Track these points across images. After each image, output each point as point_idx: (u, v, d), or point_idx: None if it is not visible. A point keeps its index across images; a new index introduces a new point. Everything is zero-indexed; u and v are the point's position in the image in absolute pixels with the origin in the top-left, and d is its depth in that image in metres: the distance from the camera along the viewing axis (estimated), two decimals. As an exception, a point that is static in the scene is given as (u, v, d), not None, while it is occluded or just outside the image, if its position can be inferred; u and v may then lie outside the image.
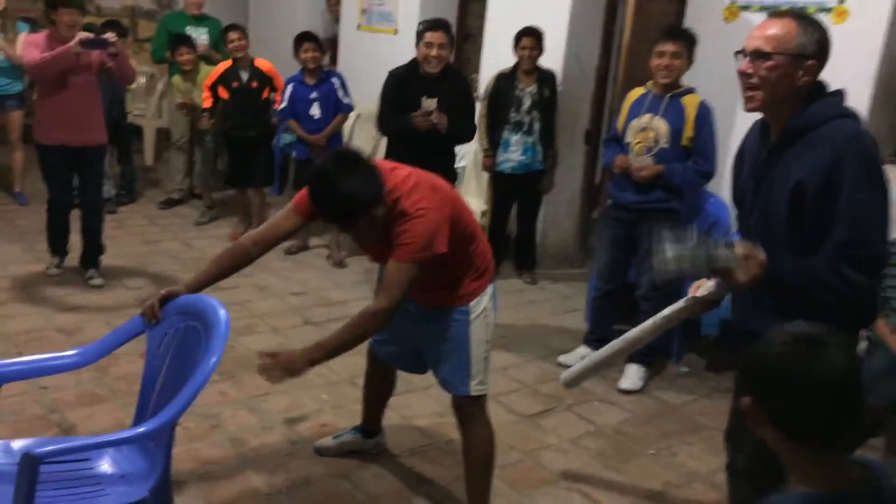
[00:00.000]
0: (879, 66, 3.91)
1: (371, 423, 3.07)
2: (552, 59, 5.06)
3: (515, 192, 5.11)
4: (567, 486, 2.97)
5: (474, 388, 2.52)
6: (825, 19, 4.02)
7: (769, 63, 1.95)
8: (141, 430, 2.11)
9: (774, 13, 2.05)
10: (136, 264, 4.99)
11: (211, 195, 6.24)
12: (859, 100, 3.96)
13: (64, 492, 2.17)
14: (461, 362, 2.49)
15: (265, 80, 5.51)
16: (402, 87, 4.32)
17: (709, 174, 3.75)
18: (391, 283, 2.29)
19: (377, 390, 3.01)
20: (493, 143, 4.94)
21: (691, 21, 4.56)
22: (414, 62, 4.28)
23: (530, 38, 4.80)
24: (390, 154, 4.24)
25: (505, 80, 4.89)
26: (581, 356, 3.99)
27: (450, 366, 2.52)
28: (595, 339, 4.02)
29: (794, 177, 1.95)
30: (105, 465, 2.28)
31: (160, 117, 7.40)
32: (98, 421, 3.13)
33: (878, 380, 3.06)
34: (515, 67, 4.88)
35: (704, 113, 3.70)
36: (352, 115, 6.68)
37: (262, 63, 5.55)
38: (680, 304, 2.27)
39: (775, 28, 1.97)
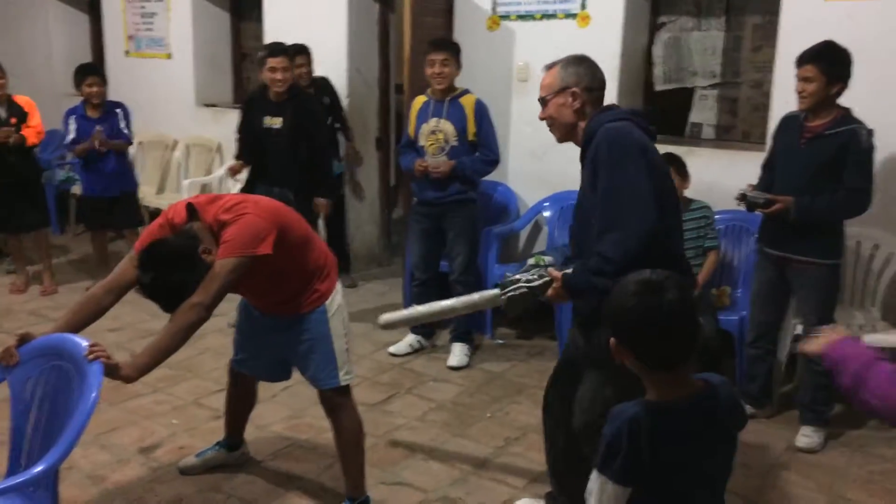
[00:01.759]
0: (620, 63, 4.61)
1: (234, 437, 3.18)
2: (336, 73, 5.36)
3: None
4: (424, 457, 3.29)
5: (343, 378, 2.74)
6: (571, 24, 4.74)
7: (548, 105, 2.47)
8: (31, 473, 2.11)
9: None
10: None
11: None
12: (608, 91, 4.65)
13: (-56, 553, 2.12)
14: (328, 358, 2.70)
15: (24, 115, 5.14)
16: (249, 109, 4.57)
17: (495, 161, 4.22)
18: (209, 278, 2.36)
19: (243, 405, 3.13)
20: None
21: (460, 32, 5.05)
22: (263, 86, 4.51)
23: (302, 56, 4.98)
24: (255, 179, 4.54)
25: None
26: (409, 344, 4.35)
27: (317, 363, 2.72)
28: (418, 325, 4.38)
29: (587, 178, 2.40)
30: (-12, 518, 2.24)
31: None
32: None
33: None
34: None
35: (480, 109, 4.17)
36: (135, 145, 6.53)
37: (20, 99, 5.22)
38: (489, 293, 2.60)
39: (545, 79, 2.48)
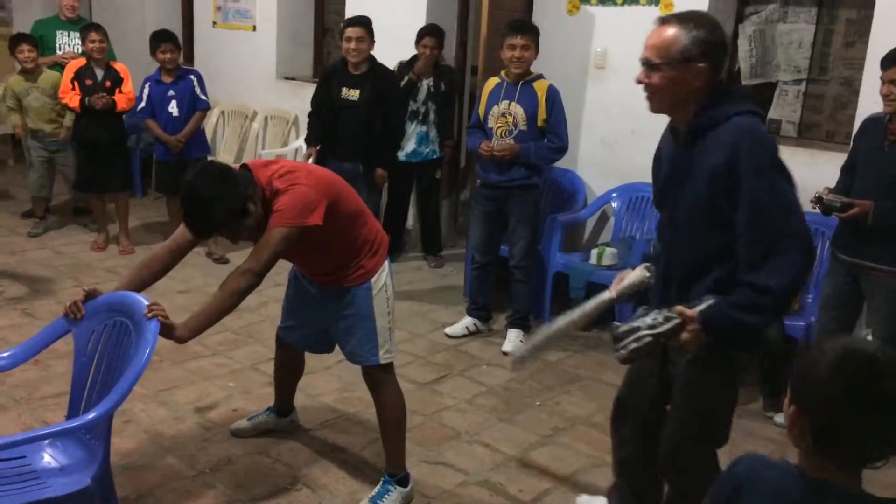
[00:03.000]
0: (702, 52, 4.47)
1: (284, 403, 3.26)
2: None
3: (412, 179, 5.40)
4: (469, 440, 3.30)
5: (383, 357, 2.76)
6: (654, 11, 4.60)
7: (658, 74, 2.00)
8: (85, 419, 2.22)
9: (660, 18, 2.04)
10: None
11: (43, 206, 5.89)
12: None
13: (3, 489, 2.24)
14: (369, 334, 2.72)
15: (119, 81, 5.38)
16: (328, 81, 4.66)
17: (562, 148, 4.16)
18: (260, 246, 2.42)
19: (289, 372, 3.20)
20: None
21: (539, 15, 4.99)
22: (343, 60, 4.63)
23: (432, 38, 5.06)
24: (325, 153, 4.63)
25: (403, 70, 5.12)
26: (465, 326, 4.36)
27: (358, 339, 2.74)
28: (476, 308, 4.39)
29: (705, 173, 2.00)
30: (43, 461, 2.36)
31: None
32: (6, 429, 3.13)
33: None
34: (414, 59, 5.12)
35: (553, 96, 4.11)
36: (214, 112, 6.72)
37: (117, 65, 5.45)
38: (602, 299, 2.31)
39: (659, 36, 1.99)
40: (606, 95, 4.80)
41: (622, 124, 4.71)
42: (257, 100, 6.70)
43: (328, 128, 4.65)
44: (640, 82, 2.07)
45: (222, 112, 6.85)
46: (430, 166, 5.37)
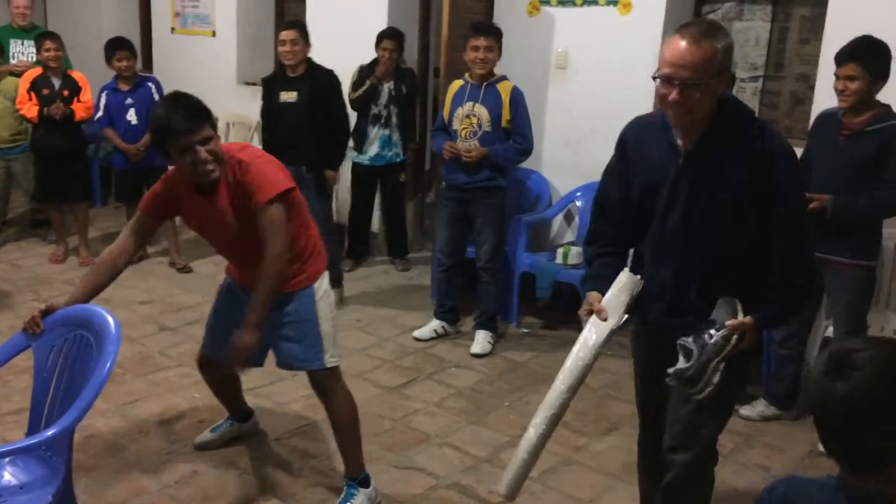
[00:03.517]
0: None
1: (238, 412, 3.21)
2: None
3: (376, 183, 5.38)
4: (439, 443, 3.29)
5: (328, 361, 2.72)
6: (612, 11, 4.65)
7: (699, 91, 1.97)
8: (45, 435, 2.17)
9: (689, 35, 1.97)
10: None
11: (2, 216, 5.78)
12: (647, 80, 4.57)
13: (-39, 509, 2.19)
14: (314, 340, 2.69)
15: (77, 90, 5.28)
16: (269, 87, 4.73)
17: (528, 150, 4.18)
18: (272, 229, 2.47)
19: (226, 387, 3.11)
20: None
21: (499, 16, 5.01)
22: (281, 64, 4.67)
23: (391, 41, 5.04)
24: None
25: (364, 74, 5.09)
26: (433, 329, 4.35)
27: (304, 345, 2.70)
28: (443, 310, 4.38)
29: (733, 178, 2.03)
30: (3, 479, 2.31)
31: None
32: (-36, 447, 3.05)
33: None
34: (374, 62, 5.09)
35: (517, 97, 4.12)
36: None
37: (75, 74, 5.36)
38: (605, 327, 2.17)
39: (695, 53, 1.95)
40: (568, 95, 4.83)
41: (583, 124, 4.75)
42: (218, 106, 6.46)
43: (271, 133, 4.66)
44: (675, 101, 1.98)
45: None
46: (394, 170, 5.36)
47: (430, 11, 5.66)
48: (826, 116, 3.33)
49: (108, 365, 2.23)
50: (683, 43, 1.96)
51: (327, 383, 2.78)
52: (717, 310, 2.08)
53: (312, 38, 4.59)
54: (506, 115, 4.10)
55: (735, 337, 2.04)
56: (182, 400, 3.55)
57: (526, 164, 4.97)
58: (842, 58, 3.14)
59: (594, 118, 4.65)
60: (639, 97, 4.50)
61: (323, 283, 2.74)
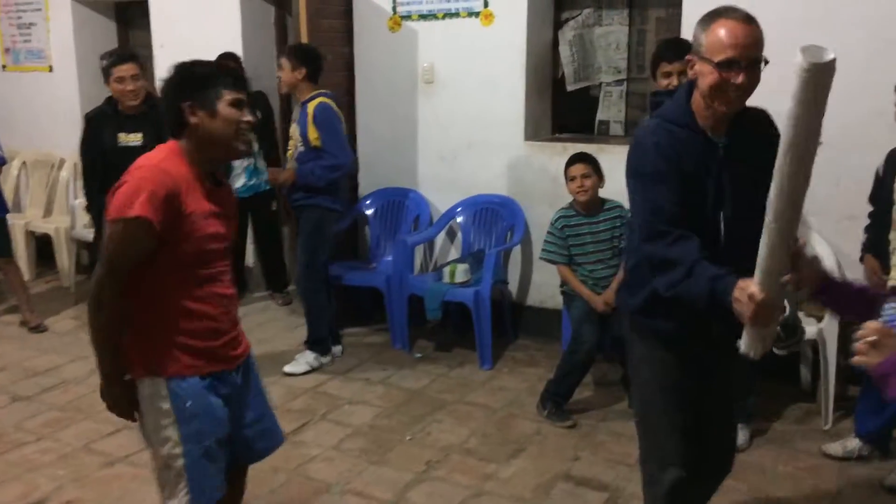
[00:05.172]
0: (526, 60, 4.49)
1: None
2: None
3: (247, 215, 5.10)
4: (340, 490, 3.06)
5: None
6: (474, 22, 4.59)
7: (758, 68, 1.94)
8: None
9: (742, 16, 1.93)
10: None
11: None
12: (515, 90, 4.55)
13: None
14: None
15: None
16: (97, 127, 4.22)
17: (336, 165, 4.01)
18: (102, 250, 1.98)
19: None
20: None
21: (360, 34, 4.85)
22: (110, 99, 4.19)
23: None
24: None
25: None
26: (306, 362, 4.14)
27: (270, 412, 2.30)
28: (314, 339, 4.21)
29: (765, 164, 1.83)
30: None
31: None
32: None
33: (580, 326, 3.58)
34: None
35: (318, 114, 3.98)
36: (15, 164, 6.09)
37: None
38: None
39: (755, 32, 1.94)
40: (439, 109, 4.72)
41: (458, 138, 4.64)
42: (63, 146, 6.07)
43: (105, 180, 4.09)
44: (741, 84, 1.91)
45: (24, 163, 6.19)
46: (265, 198, 5.10)
47: (286, 32, 5.43)
48: None
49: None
50: (742, 24, 1.93)
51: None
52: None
53: (161, 67, 4.23)
54: (312, 133, 4.01)
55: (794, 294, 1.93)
56: (45, 479, 3.14)
57: (402, 183, 4.84)
58: (671, 55, 3.21)
59: (468, 132, 4.56)
60: (508, 108, 4.47)
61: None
